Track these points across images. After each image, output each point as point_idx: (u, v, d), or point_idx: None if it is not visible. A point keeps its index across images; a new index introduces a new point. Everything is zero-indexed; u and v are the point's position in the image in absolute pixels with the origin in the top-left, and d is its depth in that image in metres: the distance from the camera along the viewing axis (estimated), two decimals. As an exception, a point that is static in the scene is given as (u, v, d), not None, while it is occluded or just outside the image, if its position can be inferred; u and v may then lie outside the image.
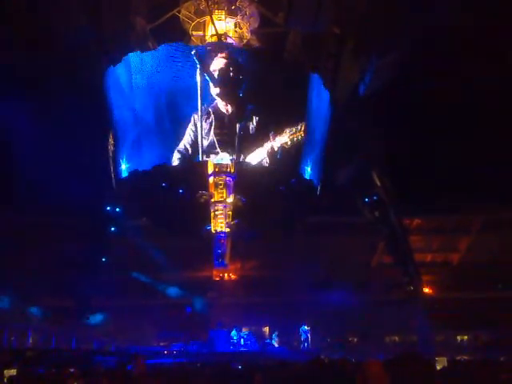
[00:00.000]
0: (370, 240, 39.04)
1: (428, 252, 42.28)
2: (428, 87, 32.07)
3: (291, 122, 28.74)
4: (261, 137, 29.17)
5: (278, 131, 28.73)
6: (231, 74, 29.00)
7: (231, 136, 28.69)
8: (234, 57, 29.43)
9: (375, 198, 34.61)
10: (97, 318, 31.85)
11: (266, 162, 29.11)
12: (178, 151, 29.05)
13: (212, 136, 28.71)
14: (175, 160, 29.15)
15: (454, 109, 33.57)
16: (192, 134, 28.88)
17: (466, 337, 37.56)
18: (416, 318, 32.76)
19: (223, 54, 29.37)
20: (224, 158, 28.87)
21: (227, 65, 29.10)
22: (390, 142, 32.91)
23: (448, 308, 34.94)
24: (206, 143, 28.60)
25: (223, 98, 29.18)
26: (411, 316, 32.89)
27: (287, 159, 29.42)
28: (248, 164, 29.58)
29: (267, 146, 28.70)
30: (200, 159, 28.84)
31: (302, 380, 5.50)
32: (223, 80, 28.80)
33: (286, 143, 28.37)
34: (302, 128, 28.22)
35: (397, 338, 37.74)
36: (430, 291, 38.90)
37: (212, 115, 28.93)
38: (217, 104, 29.29)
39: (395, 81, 30.65)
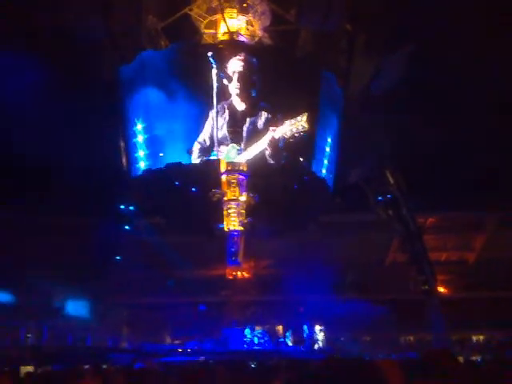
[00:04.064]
0: (383, 239, 38.81)
1: (443, 251, 41.86)
2: (442, 83, 31.77)
3: (296, 114, 28.65)
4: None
5: (280, 123, 28.91)
6: (247, 75, 29.88)
7: (242, 130, 29.90)
8: (249, 59, 30.08)
9: (389, 196, 34.36)
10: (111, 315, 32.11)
11: (267, 152, 29.37)
12: (198, 142, 30.10)
13: (225, 129, 29.81)
14: (195, 150, 30.01)
15: (467, 104, 33.23)
16: (210, 128, 30.00)
17: (481, 337, 37.17)
18: (431, 317, 32.47)
19: (241, 57, 30.03)
20: (233, 148, 29.69)
21: (243, 67, 29.92)
22: (404, 139, 32.67)
23: (463, 307, 34.57)
24: (219, 135, 29.84)
25: (238, 96, 30.13)
26: (426, 315, 32.62)
27: (291, 150, 29.64)
28: (259, 162, 29.66)
29: (268, 136, 28.86)
30: (215, 152, 29.79)
31: (316, 379, 5.43)
32: (239, 80, 29.86)
33: (286, 133, 28.21)
34: (304, 118, 27.82)
35: (411, 338, 37.46)
36: (445, 290, 38.57)
37: (227, 111, 29.95)
38: (232, 101, 30.19)
39: (408, 77, 30.43)
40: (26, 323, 29.97)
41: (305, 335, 32.33)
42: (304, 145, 29.97)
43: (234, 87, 29.92)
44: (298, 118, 27.78)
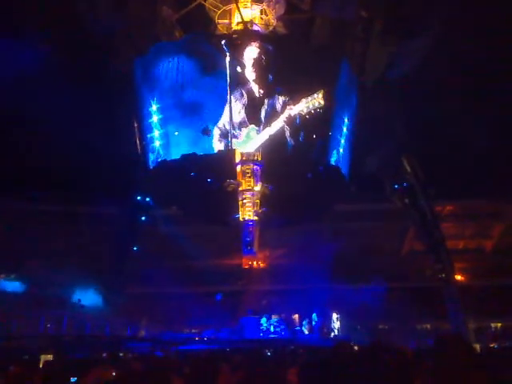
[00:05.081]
0: (400, 227, 38.57)
1: (460, 239, 41.50)
2: (458, 68, 31.30)
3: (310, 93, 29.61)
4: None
5: (296, 102, 29.89)
6: (262, 60, 30.76)
7: (259, 112, 30.84)
8: (265, 45, 30.84)
9: (405, 184, 34.09)
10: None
11: (286, 129, 30.34)
12: (218, 127, 30.99)
13: (244, 113, 30.77)
14: (216, 135, 30.95)
15: (486, 90, 32.69)
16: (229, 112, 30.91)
17: (499, 324, 36.90)
18: (448, 305, 32.29)
19: (256, 44, 30.85)
20: (252, 129, 30.75)
21: (259, 53, 30.79)
22: (421, 126, 32.32)
23: (481, 295, 34.30)
24: (239, 119, 30.90)
25: (255, 81, 31.05)
26: (443, 303, 32.44)
27: (308, 128, 30.55)
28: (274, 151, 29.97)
29: (285, 114, 30.01)
30: (230, 137, 30.68)
31: (328, 365, 5.49)
32: (255, 65, 30.85)
33: (302, 110, 29.36)
34: (320, 95, 28.75)
35: (429, 326, 37.30)
36: (463, 278, 38.27)
37: (245, 96, 30.86)
38: (251, 87, 31.05)
39: (424, 64, 30.03)
40: (46, 313, 30.47)
41: (319, 323, 32.30)
42: (321, 126, 30.92)
43: (250, 72, 30.72)
44: (315, 95, 28.84)
